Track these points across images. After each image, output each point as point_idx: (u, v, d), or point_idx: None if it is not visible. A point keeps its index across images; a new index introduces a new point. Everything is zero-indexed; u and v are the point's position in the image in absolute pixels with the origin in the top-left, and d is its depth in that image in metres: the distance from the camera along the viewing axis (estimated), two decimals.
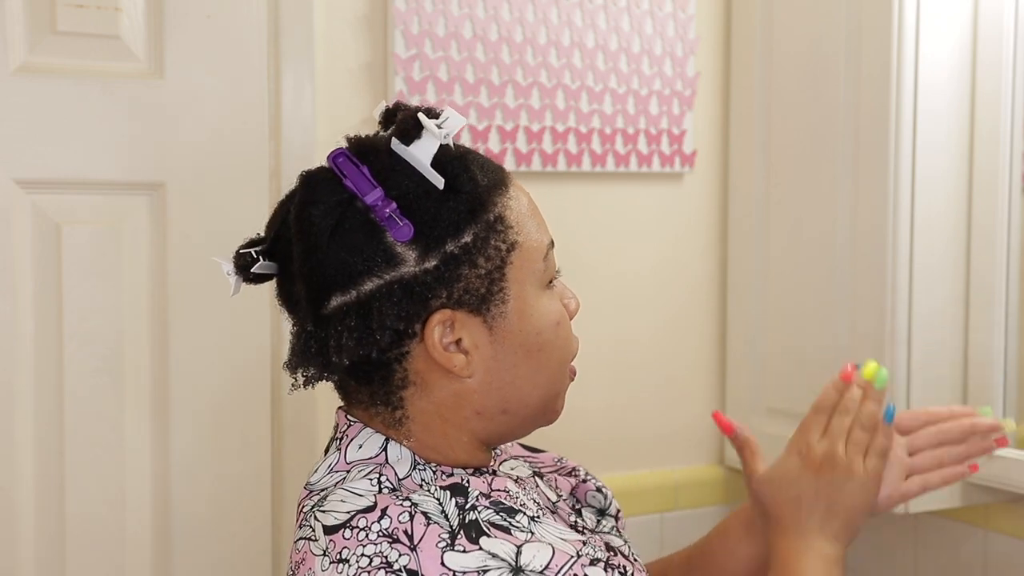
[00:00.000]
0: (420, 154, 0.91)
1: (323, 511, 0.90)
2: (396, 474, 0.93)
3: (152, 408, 1.55)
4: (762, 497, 1.12)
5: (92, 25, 1.49)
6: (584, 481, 1.14)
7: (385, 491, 0.90)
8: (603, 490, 1.14)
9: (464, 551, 0.84)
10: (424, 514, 0.87)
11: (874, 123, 1.68)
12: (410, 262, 0.91)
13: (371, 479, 0.92)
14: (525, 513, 0.91)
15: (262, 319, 1.60)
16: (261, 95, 1.59)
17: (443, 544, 0.85)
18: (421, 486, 0.92)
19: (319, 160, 0.96)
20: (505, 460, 1.07)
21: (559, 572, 0.85)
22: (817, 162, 1.80)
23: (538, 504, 0.97)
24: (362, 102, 1.68)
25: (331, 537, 0.88)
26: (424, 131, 0.91)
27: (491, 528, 0.87)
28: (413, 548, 0.85)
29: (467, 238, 0.91)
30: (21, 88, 1.46)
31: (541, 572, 0.84)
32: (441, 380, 0.94)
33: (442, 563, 0.84)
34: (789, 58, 1.85)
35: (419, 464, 0.95)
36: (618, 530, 1.12)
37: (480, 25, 1.72)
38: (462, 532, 0.86)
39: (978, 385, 1.70)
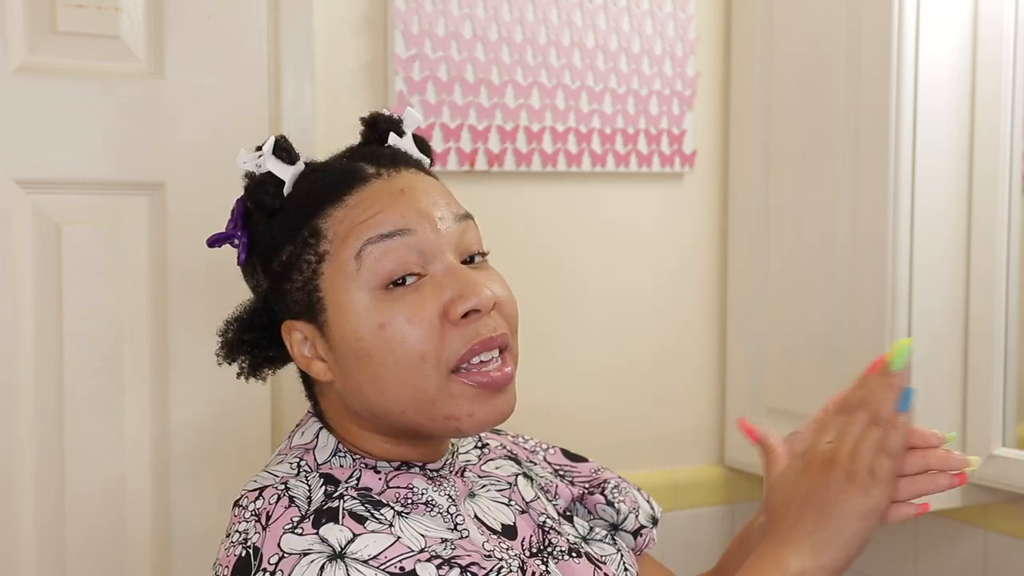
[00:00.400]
0: (284, 179, 1.01)
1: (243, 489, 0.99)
2: (316, 459, 1.00)
3: (152, 408, 1.55)
4: (766, 504, 1.02)
5: (92, 25, 1.49)
6: (595, 494, 1.14)
7: (303, 472, 0.98)
8: (616, 505, 1.14)
9: (301, 534, 0.89)
10: (290, 497, 0.93)
11: (874, 123, 1.68)
12: (261, 282, 1.03)
13: (291, 463, 0.99)
14: (392, 508, 0.94)
15: None
16: (261, 95, 1.59)
17: (289, 526, 0.90)
18: (331, 472, 0.98)
19: (239, 166, 1.04)
20: (492, 459, 1.10)
21: (386, 562, 0.87)
22: (817, 162, 1.80)
23: (451, 499, 0.99)
24: (362, 102, 1.68)
25: (231, 511, 0.98)
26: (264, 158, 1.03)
27: (346, 516, 0.91)
28: (266, 527, 0.91)
29: (284, 256, 0.99)
30: (21, 88, 1.46)
31: (367, 560, 0.87)
32: (323, 383, 1.01)
33: (278, 544, 0.89)
34: (789, 58, 1.85)
35: (340, 451, 1.00)
36: (637, 546, 1.14)
37: (480, 25, 1.72)
38: (312, 517, 0.90)
39: (978, 385, 1.71)
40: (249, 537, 0.92)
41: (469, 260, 0.99)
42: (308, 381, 1.05)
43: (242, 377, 1.07)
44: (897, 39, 1.64)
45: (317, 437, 1.02)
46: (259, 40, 1.59)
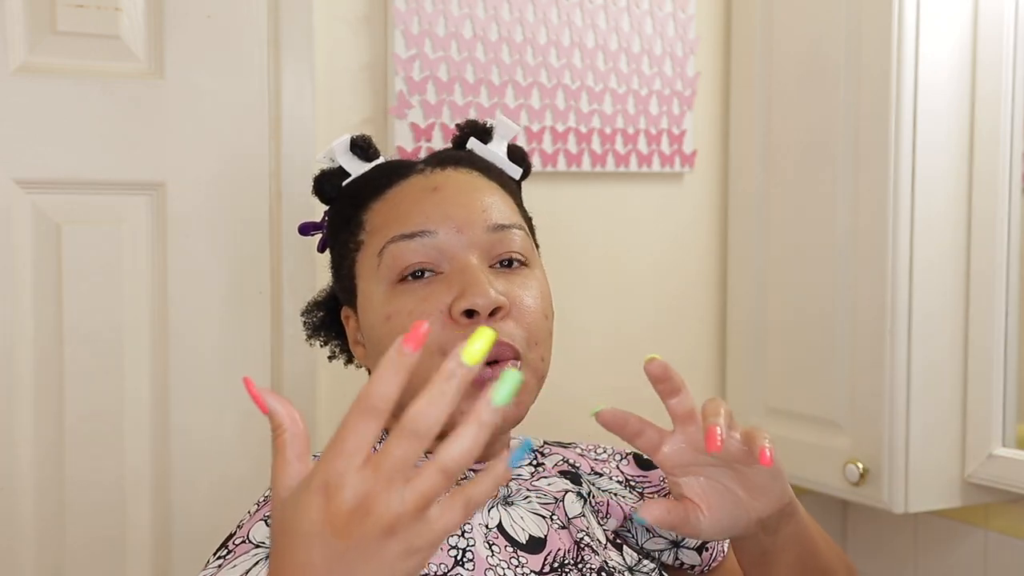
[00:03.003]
0: (352, 172, 1.07)
1: None
2: None
3: (152, 408, 1.54)
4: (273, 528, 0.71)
5: (92, 25, 1.49)
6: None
7: None
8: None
9: (268, 525, 0.89)
10: None
11: (874, 123, 1.68)
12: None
13: (319, 454, 1.02)
14: None
15: (263, 318, 1.60)
16: (261, 95, 1.59)
17: (268, 514, 0.89)
18: None
19: (318, 160, 1.07)
20: (544, 477, 1.07)
21: None
22: (817, 162, 1.80)
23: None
24: (362, 102, 1.68)
25: None
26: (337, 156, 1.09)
27: None
28: (255, 513, 0.93)
29: (338, 244, 1.06)
30: (21, 88, 1.46)
31: None
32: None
33: (248, 530, 0.91)
34: (789, 58, 1.85)
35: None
36: (703, 561, 1.13)
37: (480, 25, 1.72)
38: None
39: (978, 385, 1.71)
40: (244, 518, 0.95)
41: (504, 264, 0.99)
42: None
43: (334, 360, 1.15)
44: (897, 39, 1.65)
45: None
46: (259, 40, 1.59)
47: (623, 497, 1.12)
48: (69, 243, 1.49)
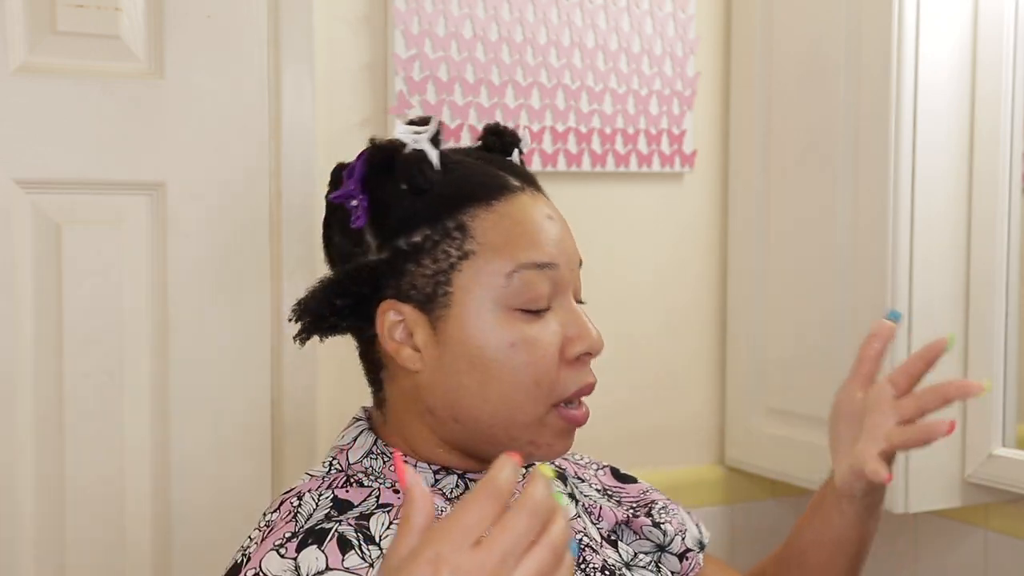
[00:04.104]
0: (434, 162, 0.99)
1: None
2: (348, 459, 1.01)
3: (152, 408, 1.54)
4: None
5: (92, 25, 1.49)
6: (641, 515, 1.13)
7: (334, 471, 1.00)
8: (662, 526, 1.12)
9: (282, 556, 0.89)
10: (294, 513, 0.94)
11: (874, 123, 1.68)
12: (372, 250, 0.99)
13: (326, 462, 1.02)
14: (380, 547, 0.90)
15: (263, 318, 1.60)
16: (261, 95, 1.59)
17: (278, 543, 0.90)
18: (367, 473, 0.99)
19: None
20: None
21: None
22: (817, 162, 1.80)
23: None
24: (362, 102, 1.68)
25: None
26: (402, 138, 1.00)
27: (333, 540, 0.89)
28: (263, 540, 0.92)
29: (417, 237, 0.97)
30: (21, 88, 1.46)
31: None
32: (402, 369, 0.99)
33: (260, 560, 0.89)
34: (789, 58, 1.85)
35: (374, 453, 1.01)
36: (683, 570, 1.13)
37: (480, 25, 1.72)
38: (300, 537, 0.90)
39: None
40: (249, 545, 0.95)
41: (578, 303, 1.03)
42: (376, 362, 1.02)
43: (297, 340, 1.02)
44: (897, 39, 1.64)
45: (355, 438, 1.03)
46: (259, 40, 1.59)
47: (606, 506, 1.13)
48: (69, 243, 1.49)
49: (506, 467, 0.65)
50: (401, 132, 0.99)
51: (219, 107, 1.56)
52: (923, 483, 1.69)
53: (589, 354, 0.99)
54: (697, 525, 1.17)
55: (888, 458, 1.07)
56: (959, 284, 1.71)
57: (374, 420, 1.05)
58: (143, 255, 1.54)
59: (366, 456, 1.01)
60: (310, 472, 1.02)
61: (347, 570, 0.87)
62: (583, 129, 1.82)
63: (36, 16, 1.46)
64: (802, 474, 1.82)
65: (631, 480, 1.18)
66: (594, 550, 1.04)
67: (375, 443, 1.02)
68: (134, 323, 1.53)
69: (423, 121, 1.00)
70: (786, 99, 1.86)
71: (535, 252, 0.97)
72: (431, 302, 0.97)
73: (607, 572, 1.02)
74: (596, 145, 1.84)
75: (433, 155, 0.98)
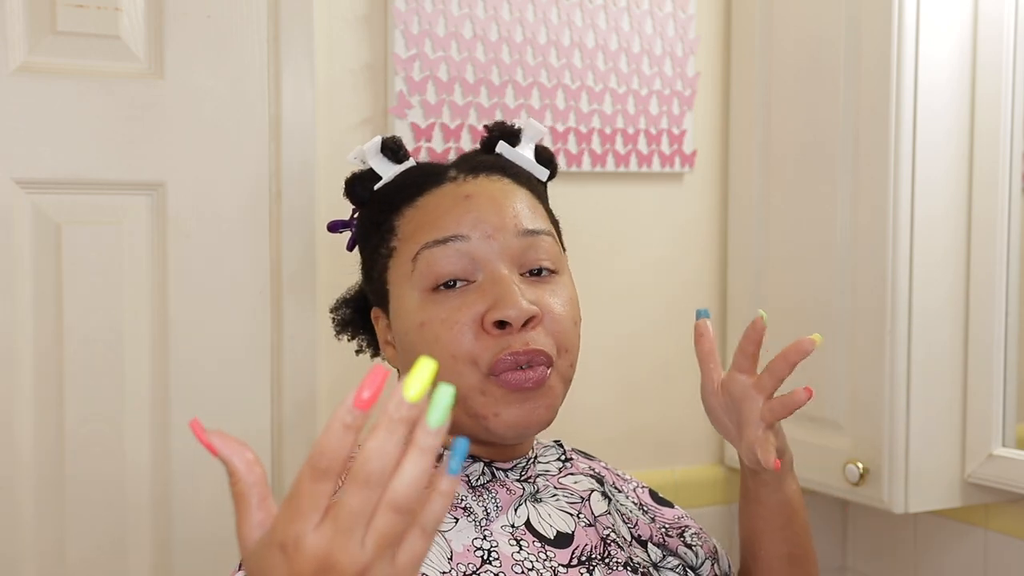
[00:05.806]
0: (384, 175, 1.08)
1: None
2: None
3: (152, 408, 1.55)
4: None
5: (92, 25, 1.49)
6: (674, 537, 1.13)
7: None
8: (694, 548, 1.13)
9: None
10: None
11: (874, 123, 1.68)
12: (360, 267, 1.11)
13: None
14: None
15: (263, 318, 1.60)
16: (261, 95, 1.59)
17: None
18: None
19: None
20: (572, 474, 1.11)
21: None
22: (817, 162, 1.80)
23: (486, 512, 0.99)
24: (362, 102, 1.68)
25: None
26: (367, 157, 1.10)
27: None
28: None
29: (369, 247, 1.07)
30: (21, 88, 1.46)
31: None
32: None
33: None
34: (789, 58, 1.85)
35: None
36: None
37: (480, 25, 1.72)
38: None
39: (978, 385, 1.71)
40: None
41: (534, 273, 1.01)
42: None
43: (361, 353, 1.16)
44: (897, 39, 1.65)
45: None
46: (259, 40, 1.59)
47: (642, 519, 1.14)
48: (69, 243, 1.49)
49: (330, 437, 0.62)
50: (353, 156, 1.09)
51: (219, 107, 1.56)
52: (923, 483, 1.69)
53: (508, 322, 0.95)
54: (725, 556, 1.18)
55: (773, 432, 1.10)
56: (959, 284, 1.71)
57: None
58: (143, 255, 1.54)
59: None
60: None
61: None
62: (583, 129, 1.82)
63: (36, 16, 1.46)
64: (802, 474, 1.81)
65: (667, 504, 1.18)
66: (620, 547, 1.05)
67: None
68: (134, 323, 1.53)
69: (395, 141, 1.08)
70: (786, 99, 1.86)
71: (435, 231, 0.99)
72: (383, 301, 1.05)
73: (630, 567, 1.03)
74: (596, 145, 1.84)
75: (387, 170, 1.07)
